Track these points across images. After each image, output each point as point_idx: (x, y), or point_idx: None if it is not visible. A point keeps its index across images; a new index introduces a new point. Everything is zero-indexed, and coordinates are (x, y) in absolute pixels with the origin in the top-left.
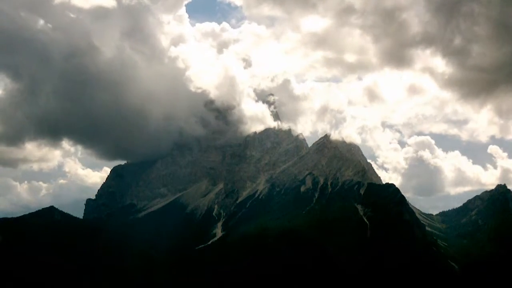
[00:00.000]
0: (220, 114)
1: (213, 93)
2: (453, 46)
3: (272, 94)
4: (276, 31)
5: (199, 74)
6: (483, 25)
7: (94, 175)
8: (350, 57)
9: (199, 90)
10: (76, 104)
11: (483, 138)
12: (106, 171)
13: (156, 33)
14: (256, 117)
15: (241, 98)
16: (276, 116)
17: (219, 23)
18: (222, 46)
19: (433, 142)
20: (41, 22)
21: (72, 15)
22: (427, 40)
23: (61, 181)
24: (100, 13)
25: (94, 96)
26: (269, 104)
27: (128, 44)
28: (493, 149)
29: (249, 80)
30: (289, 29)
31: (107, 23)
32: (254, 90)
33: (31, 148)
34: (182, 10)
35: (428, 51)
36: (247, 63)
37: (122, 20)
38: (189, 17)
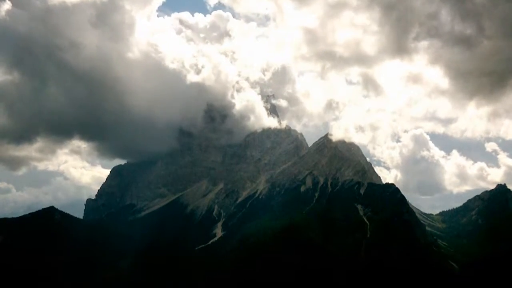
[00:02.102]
0: (219, 113)
1: (209, 89)
2: (457, 39)
3: (267, 88)
4: (267, 26)
5: (194, 70)
6: (490, 20)
7: (87, 174)
8: (346, 51)
9: (195, 87)
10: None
11: (481, 134)
12: (99, 170)
13: (144, 29)
14: (252, 111)
15: (236, 93)
16: (273, 111)
17: (210, 17)
18: (214, 41)
19: (428, 138)
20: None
21: (49, 7)
22: (430, 32)
23: (59, 179)
24: (77, 7)
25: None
26: (265, 97)
27: (113, 39)
28: (490, 146)
29: (242, 74)
30: (281, 24)
31: (85, 17)
32: (247, 79)
33: (32, 148)
34: (168, 4)
35: (429, 44)
36: (237, 58)
37: (107, 14)
38: (178, 12)
